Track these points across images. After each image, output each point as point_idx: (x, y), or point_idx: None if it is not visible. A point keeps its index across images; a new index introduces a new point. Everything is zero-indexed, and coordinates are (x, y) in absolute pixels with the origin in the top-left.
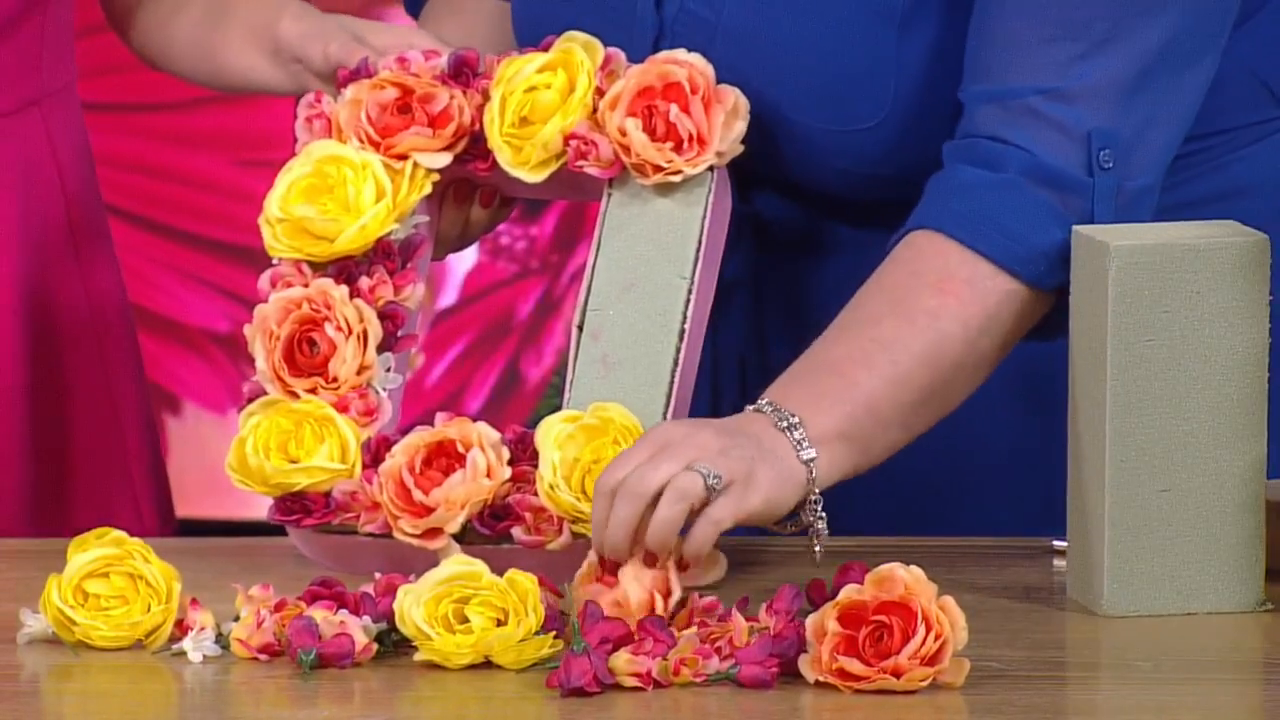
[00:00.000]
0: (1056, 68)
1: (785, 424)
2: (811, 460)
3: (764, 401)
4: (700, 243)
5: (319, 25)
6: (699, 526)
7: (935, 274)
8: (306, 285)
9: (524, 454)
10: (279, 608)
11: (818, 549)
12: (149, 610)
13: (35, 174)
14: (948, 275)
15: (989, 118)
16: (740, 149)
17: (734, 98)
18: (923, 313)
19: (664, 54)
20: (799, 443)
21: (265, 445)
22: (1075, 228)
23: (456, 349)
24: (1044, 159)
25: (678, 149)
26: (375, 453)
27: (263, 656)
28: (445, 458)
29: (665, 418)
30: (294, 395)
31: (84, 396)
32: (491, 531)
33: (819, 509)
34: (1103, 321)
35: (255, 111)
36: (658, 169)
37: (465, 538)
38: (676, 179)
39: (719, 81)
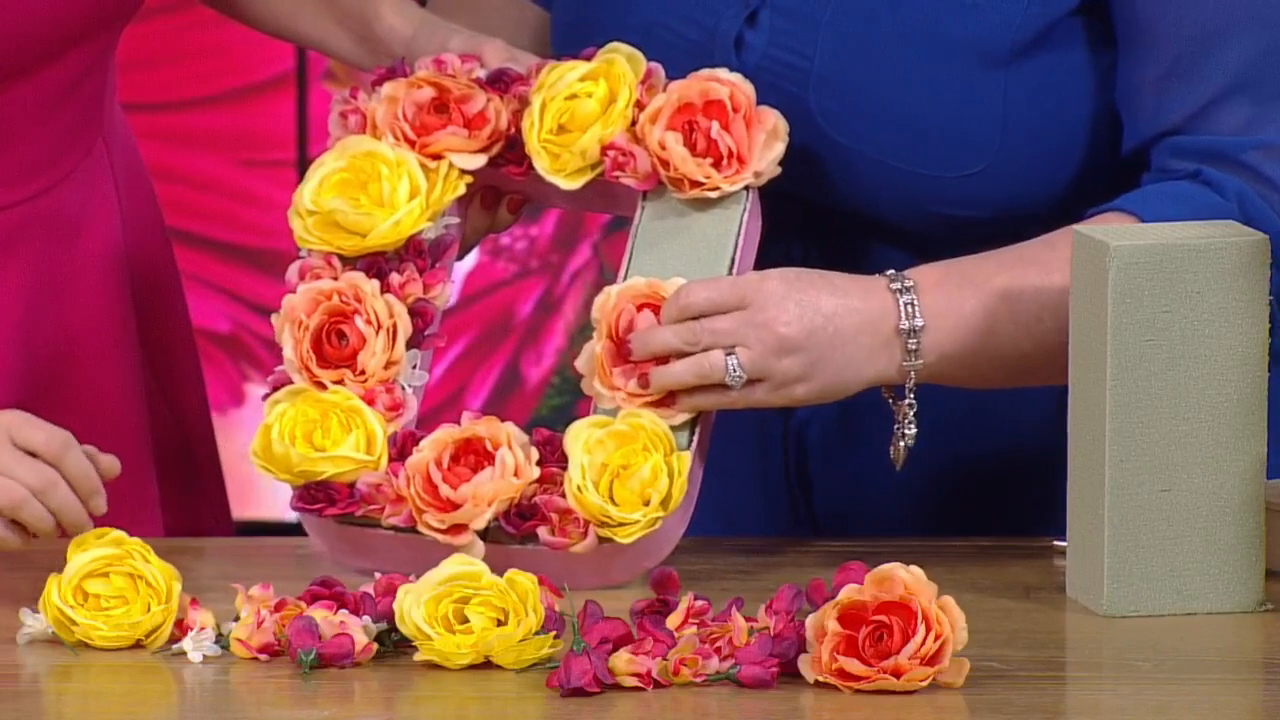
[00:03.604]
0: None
1: (899, 286)
2: (917, 330)
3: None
4: (734, 260)
5: (427, 27)
6: (707, 395)
7: None
8: (336, 278)
9: (552, 456)
10: (279, 608)
11: (903, 445)
12: (149, 610)
13: (100, 209)
14: None
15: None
16: (778, 171)
17: (774, 119)
18: None
19: (706, 71)
20: (908, 306)
21: (291, 433)
22: (1075, 227)
23: (456, 349)
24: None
25: (717, 165)
26: (401, 447)
27: (263, 656)
28: (473, 455)
29: (693, 435)
30: (321, 386)
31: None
32: (517, 531)
33: (911, 411)
34: (1103, 321)
35: (255, 111)
36: (695, 184)
37: (490, 536)
38: (713, 195)
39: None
